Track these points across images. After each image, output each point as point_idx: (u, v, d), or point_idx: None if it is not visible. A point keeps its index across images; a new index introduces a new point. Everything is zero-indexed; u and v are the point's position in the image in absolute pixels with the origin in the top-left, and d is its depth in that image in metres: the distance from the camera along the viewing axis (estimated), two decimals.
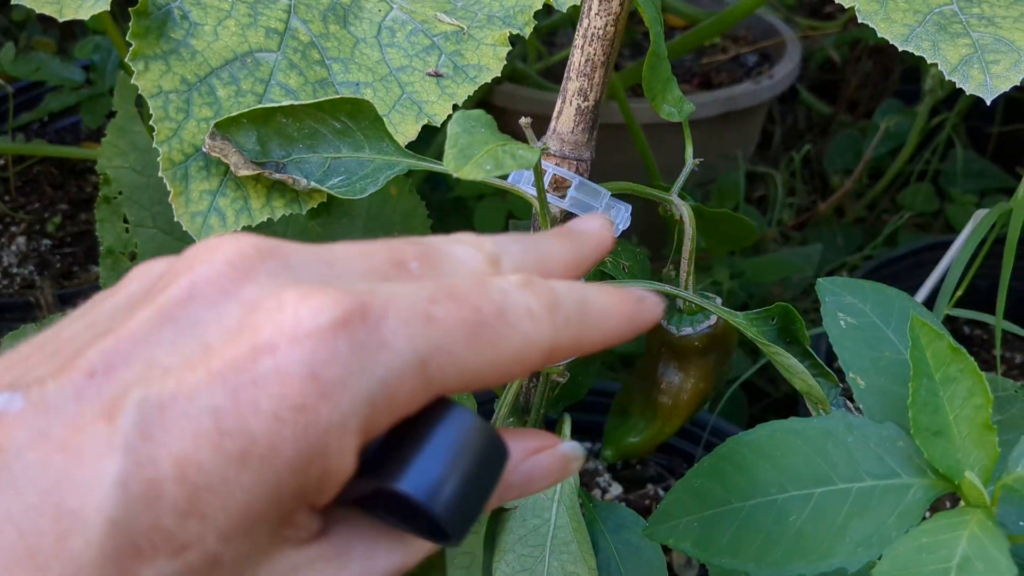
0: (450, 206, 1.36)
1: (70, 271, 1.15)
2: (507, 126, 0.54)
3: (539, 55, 1.33)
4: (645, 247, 0.89)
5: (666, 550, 0.90)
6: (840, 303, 0.47)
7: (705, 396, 0.63)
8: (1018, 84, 0.51)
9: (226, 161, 0.49)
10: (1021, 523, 0.42)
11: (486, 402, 0.70)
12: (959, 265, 0.84)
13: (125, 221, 0.79)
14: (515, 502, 0.57)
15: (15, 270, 1.14)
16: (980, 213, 0.84)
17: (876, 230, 1.50)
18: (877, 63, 1.72)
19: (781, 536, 0.43)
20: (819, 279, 0.48)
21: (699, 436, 0.94)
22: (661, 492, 0.94)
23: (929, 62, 0.51)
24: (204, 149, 0.49)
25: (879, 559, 0.40)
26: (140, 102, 0.82)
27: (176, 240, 0.80)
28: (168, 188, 0.50)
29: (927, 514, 0.42)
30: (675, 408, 0.63)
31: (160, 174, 0.50)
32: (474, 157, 0.39)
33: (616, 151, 1.29)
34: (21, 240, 1.19)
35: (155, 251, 0.79)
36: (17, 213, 1.22)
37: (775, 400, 1.31)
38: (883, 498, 0.42)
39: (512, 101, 1.28)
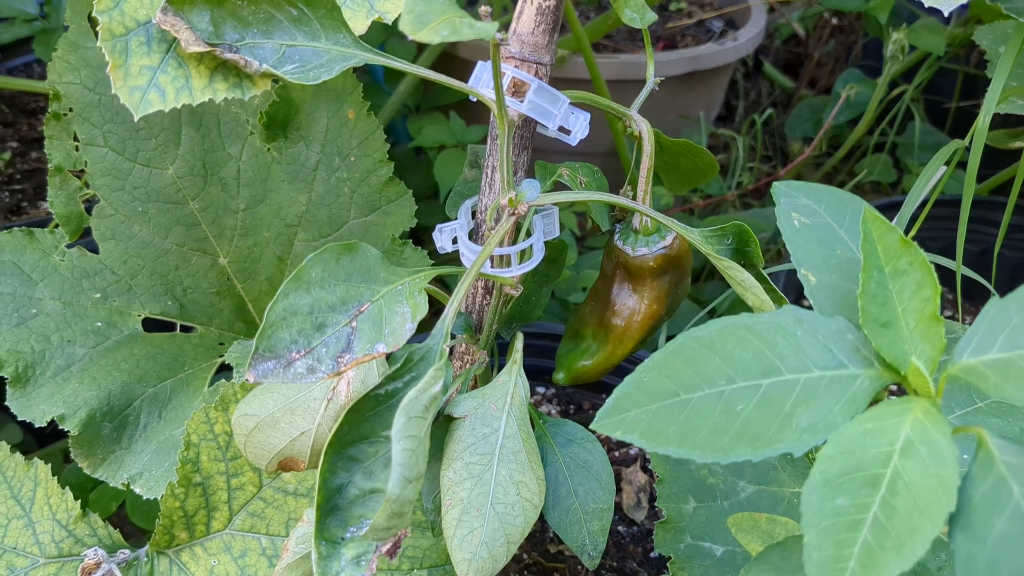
0: (409, 158, 1.35)
1: (19, 207, 1.12)
2: (469, 76, 0.53)
3: (504, 8, 1.33)
4: None
5: (616, 491, 0.90)
6: (795, 204, 0.47)
7: (658, 319, 0.63)
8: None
9: (177, 36, 0.48)
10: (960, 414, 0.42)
11: (436, 314, 0.69)
12: (907, 214, 0.85)
13: (75, 139, 0.77)
14: (464, 411, 0.56)
15: None
16: (930, 164, 0.85)
17: None
18: (840, 39, 1.74)
19: (728, 425, 0.43)
20: (775, 182, 0.48)
21: None
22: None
23: None
24: (154, 21, 0.48)
25: (823, 444, 0.41)
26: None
27: (127, 160, 0.78)
28: (106, 59, 0.48)
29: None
30: (627, 330, 0.63)
31: (98, 43, 0.48)
32: (431, 23, 0.38)
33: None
34: None
35: (105, 170, 0.78)
36: None
37: None
38: (830, 388, 0.42)
39: (476, 52, 1.27)
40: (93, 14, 0.48)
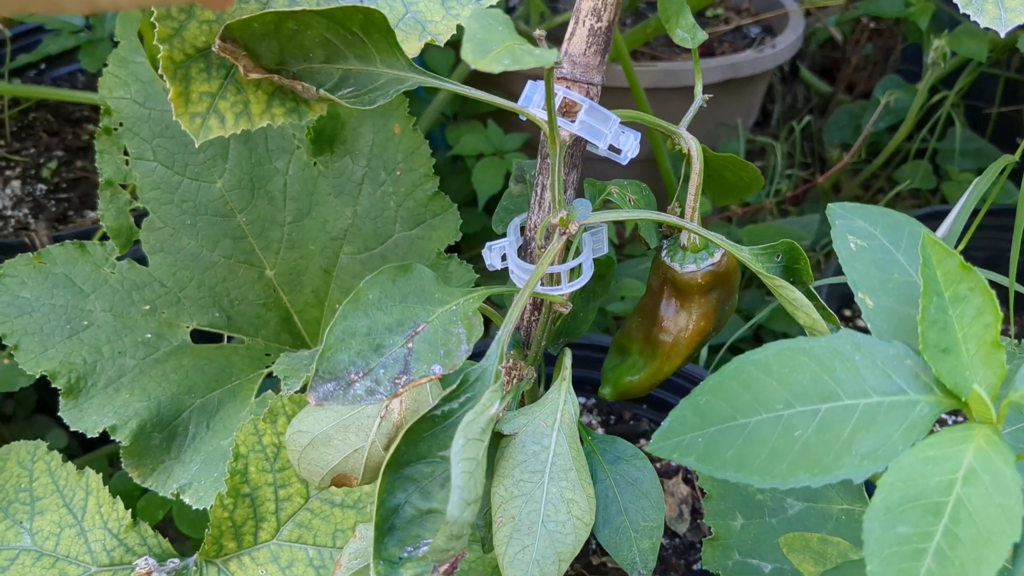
0: (448, 166, 1.36)
1: (65, 215, 1.14)
2: (508, 87, 0.54)
3: (542, 17, 1.33)
4: None
5: None
6: (851, 226, 0.47)
7: (706, 335, 0.63)
8: None
9: (235, 63, 0.49)
10: None
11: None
12: (958, 227, 0.84)
13: (125, 153, 0.79)
14: (515, 428, 0.56)
15: (9, 213, 1.14)
16: (979, 179, 0.84)
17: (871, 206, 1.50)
18: (878, 44, 1.72)
19: (786, 450, 0.43)
20: (829, 204, 0.48)
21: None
22: None
23: None
24: (214, 49, 0.49)
25: (884, 472, 0.40)
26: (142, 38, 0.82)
27: (176, 174, 0.79)
28: (167, 87, 0.49)
29: (933, 432, 0.42)
30: (675, 346, 0.63)
31: (159, 72, 0.49)
32: (492, 51, 0.38)
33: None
34: (16, 184, 1.18)
35: (154, 184, 0.79)
36: (13, 157, 1.21)
37: None
38: (889, 414, 0.42)
39: None
40: (153, 43, 0.49)
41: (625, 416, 0.97)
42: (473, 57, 0.38)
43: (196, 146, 0.49)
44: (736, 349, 1.21)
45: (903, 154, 1.49)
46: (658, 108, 1.17)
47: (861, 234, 0.47)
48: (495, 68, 0.38)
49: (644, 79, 1.24)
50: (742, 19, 1.50)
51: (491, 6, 0.54)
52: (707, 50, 1.46)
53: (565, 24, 1.38)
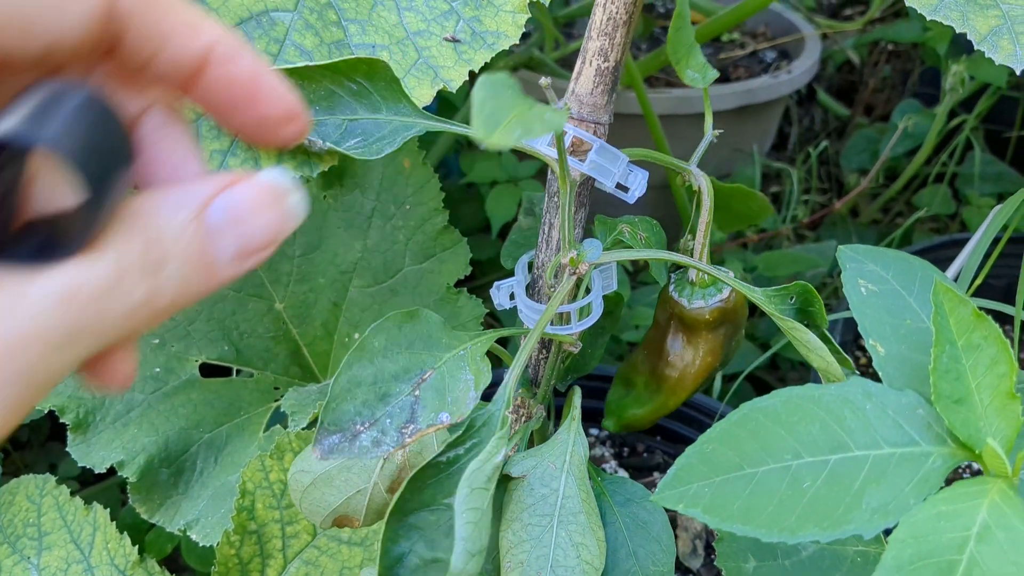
0: (461, 193, 1.36)
1: None
2: None
3: (556, 44, 1.33)
4: None
5: None
6: (861, 270, 0.46)
7: (712, 371, 0.62)
8: None
9: None
10: None
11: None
12: (976, 260, 0.83)
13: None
14: (523, 470, 0.56)
15: None
16: (999, 208, 0.83)
17: (890, 232, 1.48)
18: (895, 66, 1.71)
19: (795, 502, 0.42)
20: (840, 246, 0.47)
21: (707, 424, 0.93)
22: None
23: (958, 31, 0.50)
24: None
25: (895, 526, 0.39)
26: None
27: None
28: None
29: (945, 484, 0.41)
30: (681, 381, 0.63)
31: None
32: (503, 123, 0.37)
33: (632, 142, 1.29)
34: None
35: None
36: None
37: None
38: (901, 466, 0.41)
39: (528, 89, 1.27)
40: None
41: (638, 448, 0.96)
42: (484, 132, 0.36)
43: None
44: (751, 377, 1.19)
45: (921, 178, 1.48)
46: (672, 135, 1.16)
47: (872, 278, 0.46)
48: (507, 143, 0.37)
49: (658, 106, 1.23)
50: (758, 43, 1.49)
51: (503, 49, 0.54)
52: (722, 75, 1.45)
53: (579, 51, 1.37)
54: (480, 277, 1.30)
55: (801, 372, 1.37)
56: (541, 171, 1.31)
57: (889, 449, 0.42)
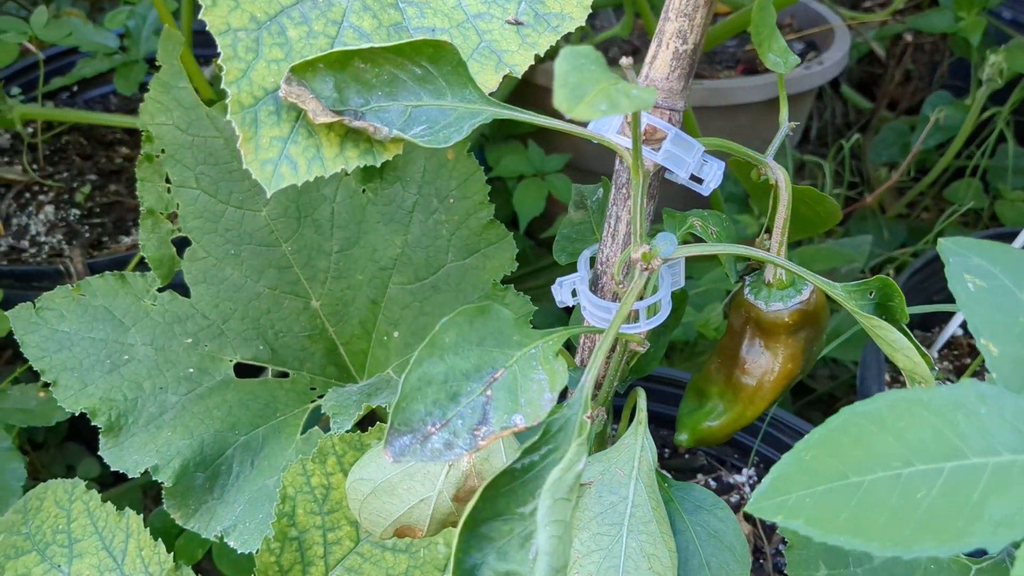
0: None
1: (100, 241, 1.11)
2: (550, 106, 0.50)
3: (583, 35, 1.30)
4: None
5: None
6: (966, 264, 0.43)
7: (793, 378, 0.59)
8: None
9: (303, 107, 0.46)
10: None
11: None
12: None
13: (167, 181, 0.76)
14: (590, 477, 0.53)
15: (43, 238, 1.11)
16: None
17: (918, 227, 1.46)
18: (919, 59, 1.69)
19: (908, 514, 0.39)
20: (940, 239, 0.44)
21: (752, 426, 0.90)
22: (712, 483, 0.90)
23: None
24: (280, 94, 0.46)
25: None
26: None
27: (220, 202, 0.76)
28: (237, 133, 0.46)
29: None
30: (759, 390, 0.60)
31: (228, 117, 0.46)
32: (587, 96, 0.35)
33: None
34: (49, 209, 1.15)
35: (197, 213, 0.76)
36: (46, 182, 1.19)
37: (818, 397, 1.27)
38: None
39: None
40: (223, 86, 0.46)
41: (680, 449, 0.93)
42: (568, 104, 0.34)
43: (268, 196, 0.46)
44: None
45: (951, 172, 1.45)
46: (703, 127, 1.14)
47: (979, 273, 0.44)
48: (593, 115, 0.34)
49: (691, 98, 1.20)
50: (785, 35, 1.46)
51: (569, 32, 0.51)
52: (749, 67, 1.42)
53: (606, 41, 1.35)
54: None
55: (832, 369, 1.34)
56: (568, 165, 1.28)
57: (1010, 456, 0.39)
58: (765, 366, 0.58)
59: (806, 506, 0.41)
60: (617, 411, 0.69)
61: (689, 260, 0.56)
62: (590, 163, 1.31)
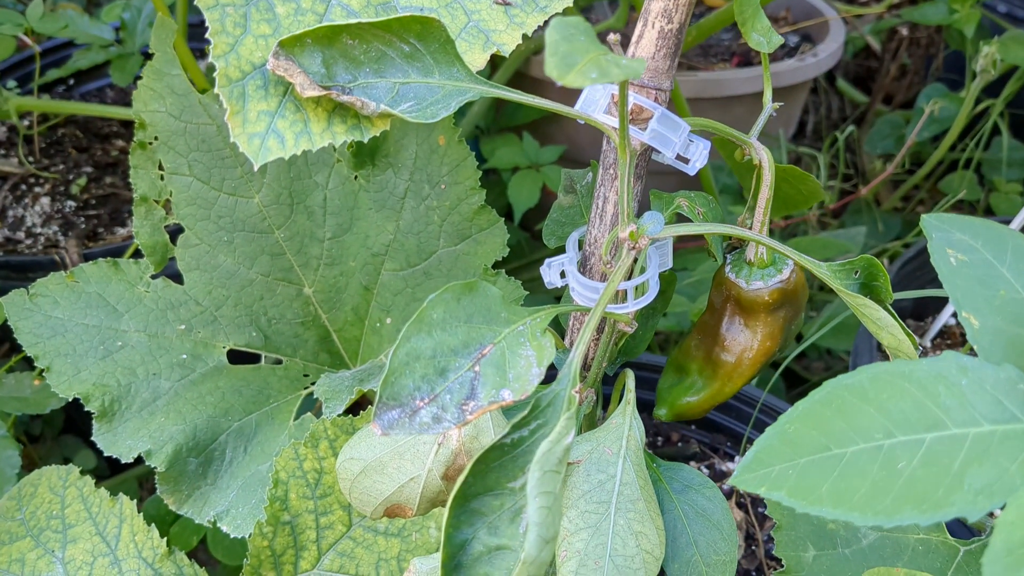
0: (481, 178, 1.33)
1: (95, 232, 1.12)
2: (544, 96, 0.51)
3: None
4: None
5: None
6: (949, 239, 0.44)
7: (771, 355, 0.60)
8: None
9: (291, 81, 0.46)
10: None
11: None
12: None
13: (160, 168, 0.76)
14: (578, 455, 0.53)
15: (39, 230, 1.11)
16: None
17: (913, 219, 1.46)
18: (914, 53, 1.69)
19: (890, 484, 0.39)
20: (923, 215, 0.44)
21: (747, 413, 0.90)
22: (704, 470, 0.90)
23: None
24: (268, 67, 0.46)
25: (1002, 508, 0.37)
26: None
27: (213, 189, 0.77)
28: (224, 106, 0.47)
29: None
30: (738, 367, 0.60)
31: (216, 90, 0.46)
32: (577, 64, 0.35)
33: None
34: (45, 200, 1.16)
35: (190, 199, 0.76)
36: (42, 174, 1.19)
37: (812, 385, 1.27)
38: (1003, 444, 0.39)
39: None
40: (210, 60, 0.46)
41: (673, 437, 0.94)
42: (558, 72, 0.35)
43: (255, 169, 0.46)
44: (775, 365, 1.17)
45: (945, 164, 1.46)
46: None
47: (961, 248, 0.44)
48: (583, 82, 0.35)
49: (684, 89, 1.21)
50: (780, 27, 1.47)
51: (557, 13, 0.52)
52: (744, 59, 1.43)
53: (599, 33, 1.35)
54: (501, 265, 1.28)
55: (827, 361, 1.34)
56: (563, 156, 1.28)
57: (990, 426, 0.39)
58: (744, 343, 0.58)
59: (789, 478, 0.41)
60: (607, 399, 0.69)
61: (683, 250, 0.57)
62: (584, 154, 1.31)
